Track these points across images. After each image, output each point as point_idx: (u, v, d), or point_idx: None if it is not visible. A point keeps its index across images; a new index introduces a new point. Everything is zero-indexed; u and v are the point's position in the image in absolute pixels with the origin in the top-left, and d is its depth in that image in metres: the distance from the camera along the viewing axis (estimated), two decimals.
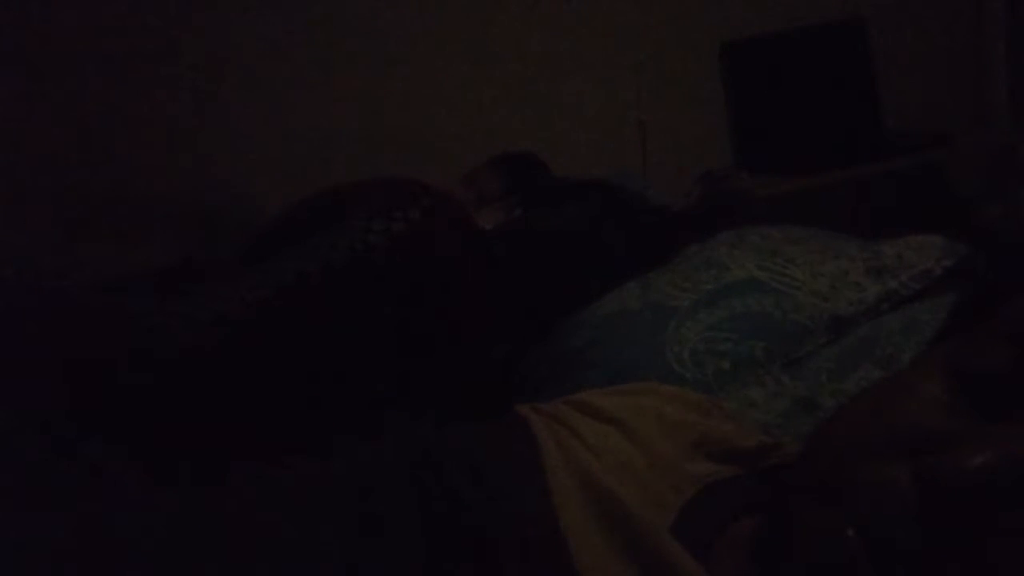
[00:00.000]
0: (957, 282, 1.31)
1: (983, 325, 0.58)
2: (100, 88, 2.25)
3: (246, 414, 1.16)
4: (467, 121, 2.48)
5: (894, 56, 2.81)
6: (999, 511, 0.49)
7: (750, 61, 2.72)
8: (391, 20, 2.45)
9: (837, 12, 2.77)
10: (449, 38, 2.49)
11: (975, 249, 1.38)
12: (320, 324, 1.28)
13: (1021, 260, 0.62)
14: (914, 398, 0.55)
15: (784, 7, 2.73)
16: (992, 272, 0.64)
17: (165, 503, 0.70)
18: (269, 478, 0.69)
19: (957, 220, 2.37)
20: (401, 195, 1.51)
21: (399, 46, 2.46)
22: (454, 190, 1.82)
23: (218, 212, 2.24)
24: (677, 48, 2.66)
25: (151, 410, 1.05)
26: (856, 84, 2.78)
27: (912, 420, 0.54)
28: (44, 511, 0.70)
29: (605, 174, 2.11)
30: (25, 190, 2.17)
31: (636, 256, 1.59)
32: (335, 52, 2.41)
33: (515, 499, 0.62)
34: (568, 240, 1.69)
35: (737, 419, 0.84)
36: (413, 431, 0.72)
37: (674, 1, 2.66)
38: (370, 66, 2.44)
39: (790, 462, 0.65)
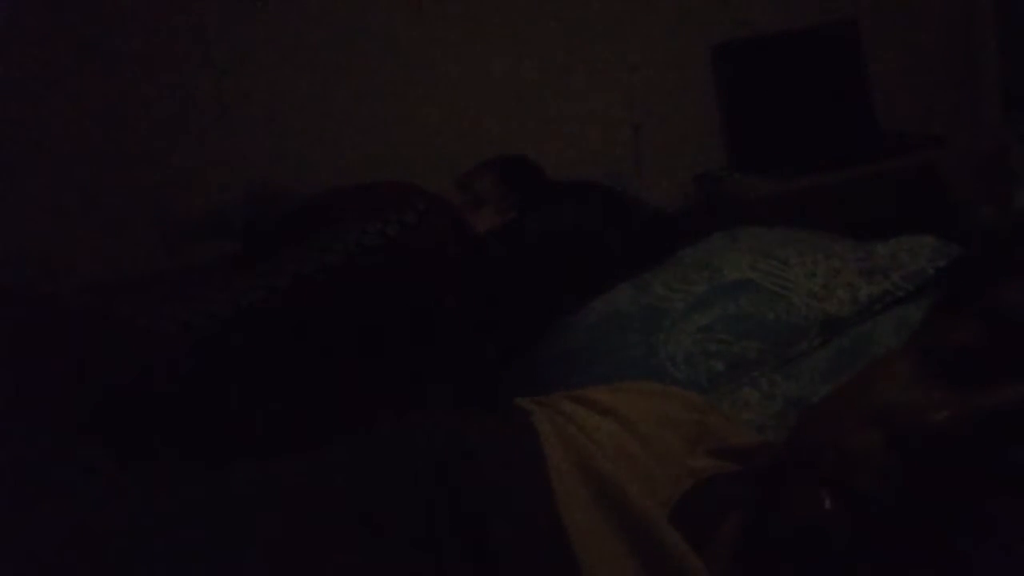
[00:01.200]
0: (949, 282, 1.32)
1: (955, 306, 0.60)
2: (101, 90, 2.25)
3: (243, 414, 1.16)
4: (461, 124, 2.48)
5: (886, 57, 2.82)
6: (966, 467, 0.51)
7: (743, 63, 2.72)
8: (387, 23, 2.45)
9: (829, 13, 2.78)
10: (443, 40, 2.49)
11: (967, 250, 1.39)
12: (315, 326, 1.29)
13: (1008, 256, 0.63)
14: (889, 376, 0.58)
15: (777, 9, 2.74)
16: (975, 265, 0.65)
17: (164, 504, 0.70)
18: (268, 477, 0.70)
19: (950, 221, 2.38)
20: (396, 198, 1.52)
21: (394, 48, 2.46)
22: (449, 193, 1.83)
23: (217, 214, 2.24)
24: (670, 50, 2.66)
25: (149, 412, 1.05)
26: (849, 85, 2.79)
27: (886, 395, 0.56)
28: (43, 513, 0.70)
29: (599, 176, 2.12)
30: (25, 191, 2.17)
31: (630, 257, 1.59)
32: (331, 53, 2.41)
33: (516, 490, 0.63)
34: (562, 242, 1.69)
35: (732, 420, 0.85)
36: (414, 427, 0.72)
37: (667, 3, 2.66)
38: (366, 68, 2.44)
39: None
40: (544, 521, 0.60)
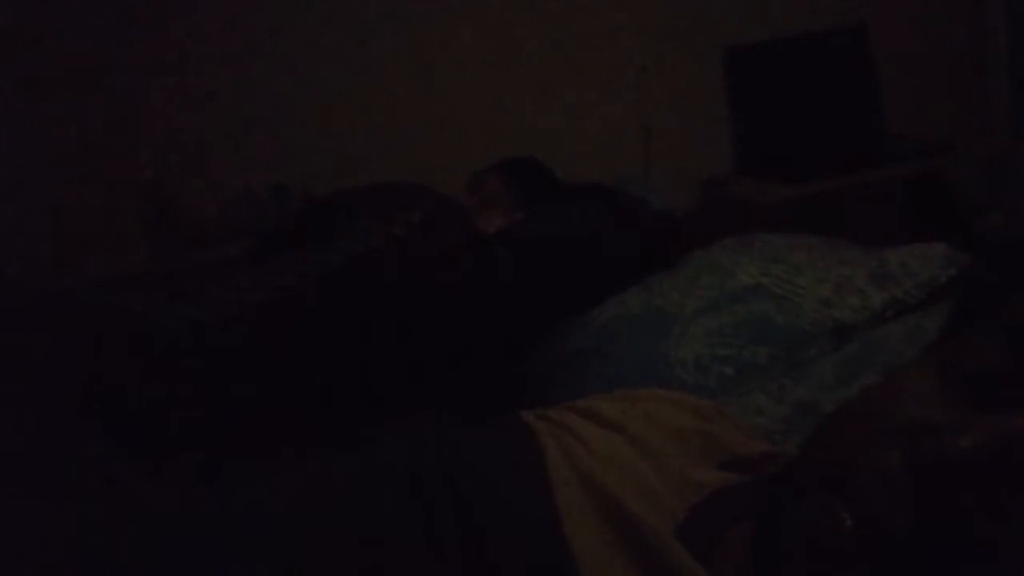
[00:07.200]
0: (960, 290, 1.31)
1: (977, 324, 0.59)
2: (105, 88, 2.25)
3: (246, 414, 1.16)
4: (470, 126, 2.48)
5: (896, 63, 2.81)
6: (986, 491, 0.50)
7: (753, 67, 2.72)
8: (393, 24, 2.45)
9: (839, 19, 2.77)
10: (452, 43, 2.49)
11: (978, 258, 1.39)
12: (318, 325, 1.28)
13: (1020, 264, 0.63)
14: (908, 393, 0.57)
15: (787, 13, 2.73)
16: (993, 279, 0.64)
17: (164, 503, 0.70)
18: (271, 483, 0.69)
19: (958, 228, 2.37)
20: (403, 199, 1.52)
21: (401, 50, 2.46)
22: (458, 194, 1.82)
23: (221, 214, 2.24)
24: (680, 54, 2.66)
25: (151, 409, 1.05)
26: (858, 91, 2.79)
27: (906, 413, 0.55)
28: (46, 511, 0.70)
29: (608, 179, 2.11)
30: (25, 190, 2.17)
31: (639, 261, 1.59)
32: (334, 54, 2.41)
33: (520, 506, 0.62)
34: (571, 244, 1.69)
35: (741, 426, 0.85)
36: (417, 434, 0.71)
37: (678, 7, 2.66)
38: (370, 69, 2.44)
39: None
40: (548, 538, 0.60)
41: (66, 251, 2.16)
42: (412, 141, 2.43)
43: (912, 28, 2.86)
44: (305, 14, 2.39)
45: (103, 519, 0.67)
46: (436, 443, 0.69)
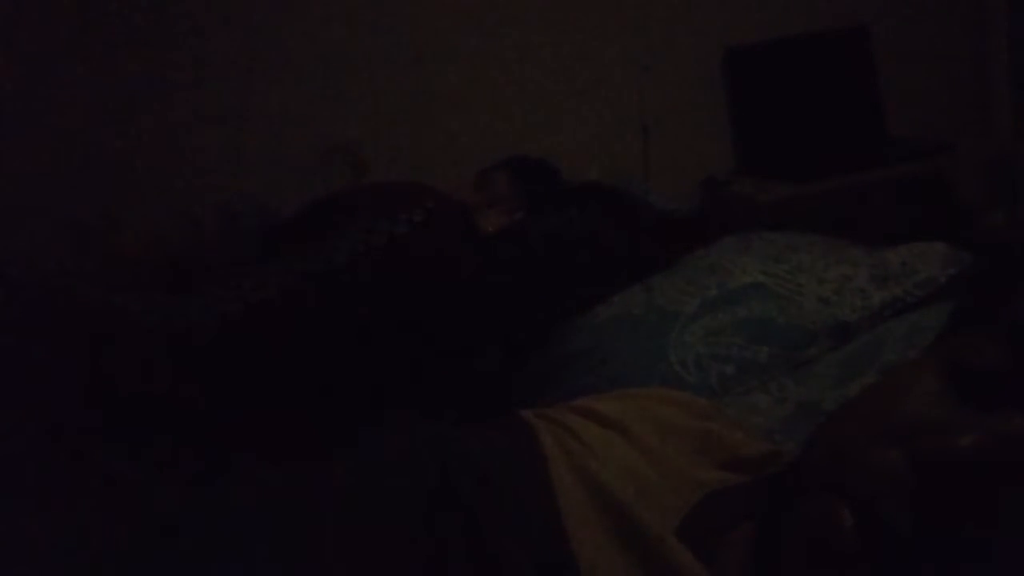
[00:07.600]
0: (960, 290, 1.31)
1: (980, 325, 0.59)
2: (102, 88, 2.25)
3: (246, 414, 1.16)
4: (470, 125, 2.48)
5: (897, 63, 2.81)
6: (987, 489, 0.51)
7: (754, 67, 2.72)
8: (393, 24, 2.45)
9: (840, 19, 2.77)
10: (451, 41, 2.49)
11: (978, 257, 1.39)
12: (318, 325, 1.29)
13: (1020, 264, 0.63)
14: (910, 392, 0.57)
15: (787, 14, 2.73)
16: (994, 279, 0.64)
17: (164, 503, 0.70)
18: (270, 479, 0.69)
19: (959, 228, 2.37)
20: (405, 199, 1.52)
21: (402, 49, 2.46)
22: (464, 193, 1.82)
23: (225, 215, 2.23)
24: (680, 54, 2.66)
25: (152, 408, 1.05)
26: (859, 91, 2.78)
27: (906, 412, 0.56)
28: (46, 511, 0.70)
29: (608, 178, 2.11)
30: (25, 190, 2.16)
31: (639, 260, 1.59)
32: (333, 54, 2.41)
33: (521, 506, 0.62)
34: (570, 244, 1.69)
35: (741, 425, 0.85)
36: (417, 434, 0.71)
37: (678, 6, 2.66)
38: (370, 69, 2.44)
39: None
40: (549, 538, 0.60)
41: (66, 251, 2.15)
42: (412, 141, 2.43)
43: (912, 28, 2.86)
44: (304, 14, 2.39)
45: (103, 519, 0.67)
46: (436, 443, 0.69)
